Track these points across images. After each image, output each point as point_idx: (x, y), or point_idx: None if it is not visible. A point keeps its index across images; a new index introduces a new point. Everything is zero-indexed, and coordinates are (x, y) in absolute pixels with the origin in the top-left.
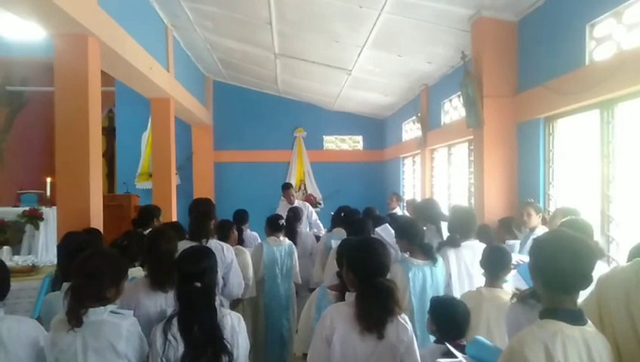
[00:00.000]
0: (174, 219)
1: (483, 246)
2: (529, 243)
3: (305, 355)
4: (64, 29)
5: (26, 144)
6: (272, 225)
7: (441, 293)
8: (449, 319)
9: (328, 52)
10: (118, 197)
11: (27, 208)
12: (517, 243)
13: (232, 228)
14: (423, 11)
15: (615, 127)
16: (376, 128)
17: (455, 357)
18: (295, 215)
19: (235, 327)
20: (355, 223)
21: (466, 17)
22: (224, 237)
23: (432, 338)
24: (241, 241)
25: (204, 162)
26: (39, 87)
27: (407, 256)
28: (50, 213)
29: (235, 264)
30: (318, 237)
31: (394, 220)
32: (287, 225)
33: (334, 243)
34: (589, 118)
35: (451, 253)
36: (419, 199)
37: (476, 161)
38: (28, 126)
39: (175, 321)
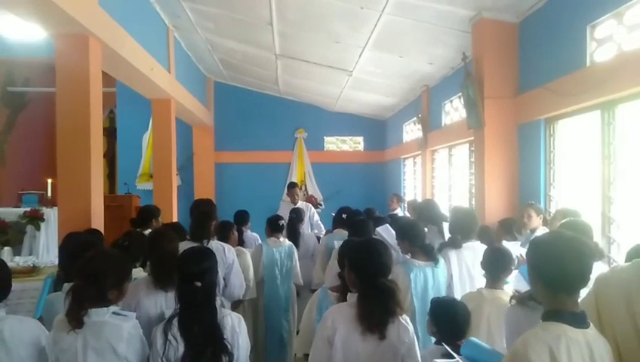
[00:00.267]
0: (175, 219)
1: (484, 247)
2: None
3: (306, 356)
4: (65, 29)
5: (27, 145)
6: (272, 226)
7: (443, 294)
8: (449, 320)
9: (329, 53)
10: (119, 197)
11: (28, 209)
12: (513, 244)
13: (232, 229)
14: (424, 12)
15: (616, 129)
16: (377, 129)
17: (453, 358)
18: (298, 216)
19: (236, 328)
20: (356, 224)
21: (466, 18)
22: (224, 238)
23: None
24: (241, 242)
25: (205, 163)
26: (40, 87)
27: (408, 257)
28: (51, 214)
29: (236, 265)
30: (319, 238)
31: (395, 221)
32: (289, 226)
33: (336, 244)
34: (590, 119)
35: (452, 254)
36: (420, 200)
37: (477, 162)
38: (29, 126)
39: (175, 321)
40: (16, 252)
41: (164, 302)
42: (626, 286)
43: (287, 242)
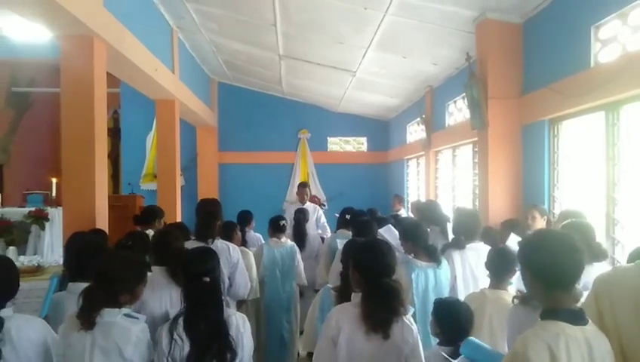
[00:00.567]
0: (179, 219)
1: (488, 248)
2: None
3: (310, 354)
4: (70, 30)
5: (32, 145)
6: (273, 227)
7: (445, 295)
8: (452, 321)
9: (333, 53)
10: (123, 198)
11: (33, 209)
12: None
13: (235, 230)
14: (428, 13)
15: (620, 129)
16: (381, 130)
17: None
18: (304, 216)
19: (240, 327)
20: (360, 224)
21: (470, 19)
22: (228, 238)
23: (432, 338)
24: (244, 243)
25: (209, 163)
26: (45, 88)
27: (411, 257)
28: (55, 214)
29: (241, 264)
30: (323, 239)
31: (399, 222)
32: (296, 227)
33: (340, 244)
34: (595, 120)
35: (456, 255)
36: (423, 201)
37: (481, 162)
38: (34, 127)
39: (181, 321)
40: (21, 251)
41: (169, 302)
42: (633, 286)
43: (289, 242)
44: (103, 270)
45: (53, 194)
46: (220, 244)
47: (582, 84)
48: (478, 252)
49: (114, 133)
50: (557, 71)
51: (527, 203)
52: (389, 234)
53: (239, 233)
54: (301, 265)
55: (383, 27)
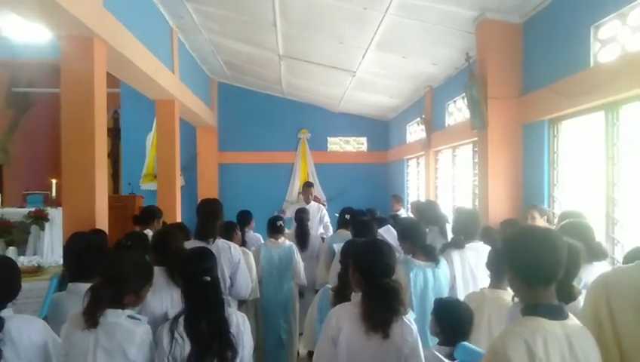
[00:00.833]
0: (179, 220)
1: (487, 248)
2: None
3: (310, 353)
4: (70, 30)
5: (32, 145)
6: (271, 227)
7: (444, 295)
8: (452, 321)
9: (333, 54)
10: (123, 198)
11: (33, 209)
12: None
13: (235, 230)
14: (428, 13)
15: (620, 129)
16: (381, 130)
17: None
18: (307, 216)
19: (240, 326)
20: (359, 224)
21: (470, 19)
22: (227, 239)
23: (430, 338)
24: (243, 243)
25: (209, 163)
26: (45, 88)
27: (409, 257)
28: (55, 214)
29: (242, 264)
30: (324, 239)
31: (397, 222)
32: (299, 227)
33: (336, 248)
34: (594, 120)
35: (455, 255)
36: (422, 201)
37: (480, 162)
38: (34, 127)
39: (182, 320)
40: (21, 252)
41: (170, 302)
42: (634, 287)
43: (287, 243)
44: (111, 269)
45: (53, 194)
46: (221, 244)
47: (581, 84)
48: (477, 251)
49: (114, 133)
50: (557, 71)
51: (526, 203)
52: (388, 234)
53: (239, 233)
54: (300, 264)
55: (382, 27)
